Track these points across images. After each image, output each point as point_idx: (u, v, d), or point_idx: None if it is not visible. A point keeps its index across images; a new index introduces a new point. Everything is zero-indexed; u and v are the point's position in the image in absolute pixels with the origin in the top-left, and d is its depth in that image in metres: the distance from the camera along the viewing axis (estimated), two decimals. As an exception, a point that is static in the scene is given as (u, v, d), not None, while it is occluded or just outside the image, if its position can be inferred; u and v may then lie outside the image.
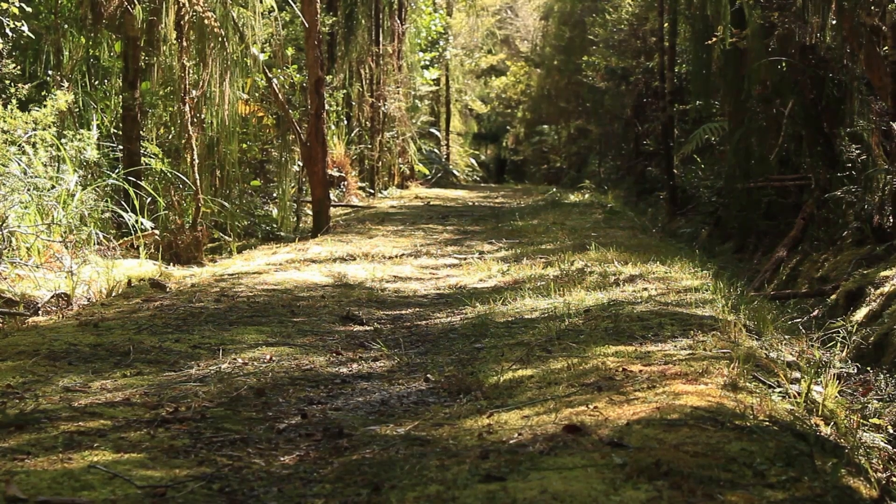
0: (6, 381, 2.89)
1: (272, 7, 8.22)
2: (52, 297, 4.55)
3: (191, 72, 7.19)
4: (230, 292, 4.76)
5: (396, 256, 6.42)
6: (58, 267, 5.19)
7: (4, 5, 6.25)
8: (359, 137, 13.27)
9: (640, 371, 2.85)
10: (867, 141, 7.39)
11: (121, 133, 7.16)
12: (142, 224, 6.42)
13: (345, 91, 12.77)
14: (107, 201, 6.41)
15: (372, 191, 13.20)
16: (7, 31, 6.40)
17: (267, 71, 8.31)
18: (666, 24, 12.83)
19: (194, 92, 7.27)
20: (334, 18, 12.41)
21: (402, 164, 15.24)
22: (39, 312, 4.36)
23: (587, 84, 18.68)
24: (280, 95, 8.43)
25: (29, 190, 5.60)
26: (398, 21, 14.95)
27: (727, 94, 10.10)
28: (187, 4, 6.95)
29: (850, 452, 2.49)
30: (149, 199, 6.85)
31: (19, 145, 5.93)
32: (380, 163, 13.98)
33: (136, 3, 7.01)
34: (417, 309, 4.50)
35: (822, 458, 2.19)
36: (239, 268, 5.86)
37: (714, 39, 9.08)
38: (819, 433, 2.55)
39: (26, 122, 6.00)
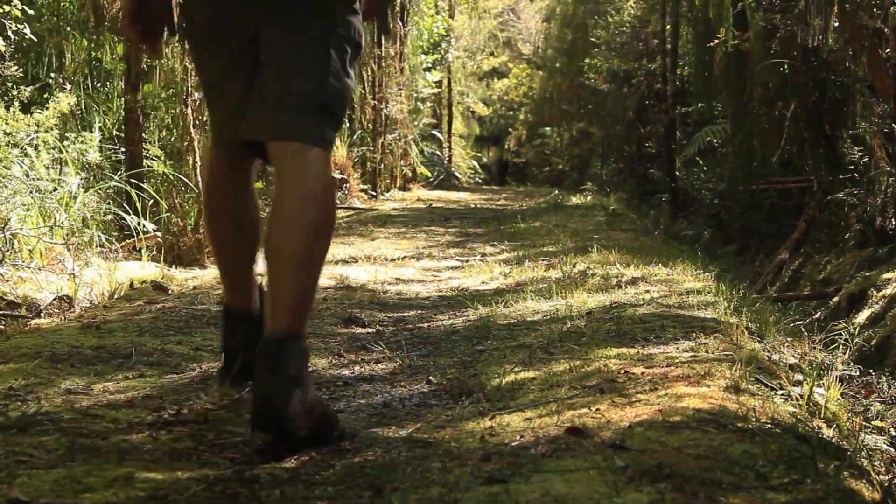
0: (8, 383, 2.89)
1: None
2: (54, 299, 4.55)
3: (193, 74, 7.20)
4: (232, 294, 4.76)
5: (398, 259, 6.42)
6: (60, 269, 5.19)
7: (7, 7, 6.26)
8: (361, 140, 13.28)
9: (643, 373, 2.85)
10: (869, 143, 7.40)
11: (123, 135, 7.16)
12: (144, 226, 6.43)
13: (347, 93, 12.77)
14: (109, 204, 6.42)
15: (374, 193, 13.20)
16: (9, 33, 6.41)
17: (269, 73, 8.31)
18: (668, 27, 12.84)
19: (196, 94, 7.27)
20: (336, 21, 12.41)
21: (404, 167, 15.24)
22: (42, 315, 4.36)
23: (589, 86, 18.70)
24: (282, 98, 8.44)
25: (31, 192, 5.61)
26: (400, 23, 14.96)
27: (729, 97, 10.12)
28: (189, 7, 6.95)
29: (852, 455, 2.49)
30: (151, 202, 6.86)
31: (21, 148, 5.94)
32: (382, 165, 13.99)
33: (139, 5, 7.02)
34: (419, 311, 4.50)
35: (824, 460, 2.18)
36: (241, 270, 5.85)
37: (716, 42, 9.10)
38: (821, 435, 2.55)
39: (28, 125, 6.01)
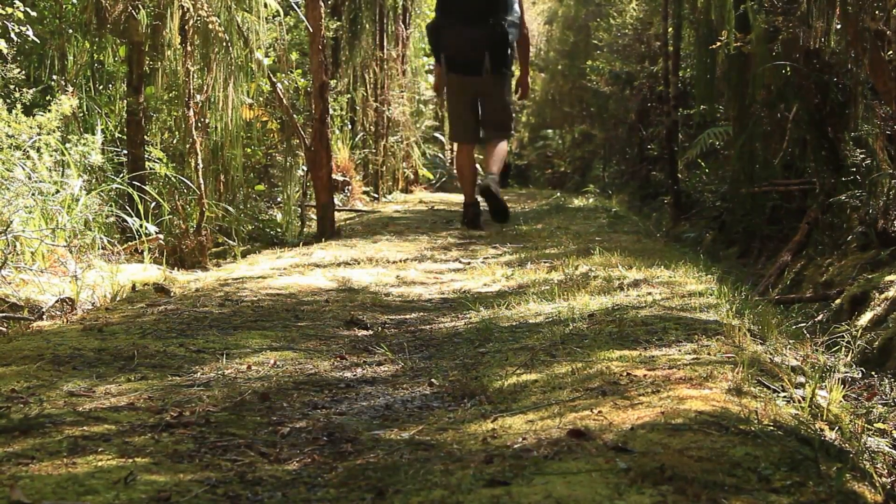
0: (11, 385, 2.89)
1: (277, 12, 8.23)
2: (56, 301, 4.56)
3: (195, 76, 7.21)
4: (234, 297, 4.77)
5: (401, 261, 6.42)
6: (62, 272, 5.20)
7: (9, 10, 6.27)
8: (363, 142, 13.28)
9: (645, 376, 2.85)
10: (872, 145, 7.37)
11: (125, 138, 7.17)
12: (146, 229, 6.43)
13: (349, 96, 12.78)
14: (111, 206, 6.42)
15: (376, 195, 13.20)
16: (12, 35, 6.42)
17: (271, 76, 8.31)
18: (670, 29, 12.81)
19: (199, 97, 7.28)
20: (339, 23, 12.42)
21: (406, 169, 15.23)
22: (44, 317, 4.36)
23: (591, 89, 18.66)
24: (284, 100, 8.44)
25: (33, 195, 5.61)
26: (402, 26, 14.96)
27: (731, 99, 10.08)
28: (192, 9, 6.96)
29: (854, 457, 2.48)
30: (153, 204, 6.86)
31: (24, 150, 5.94)
32: (384, 167, 13.98)
33: (141, 7, 7.03)
34: (422, 313, 4.50)
35: (826, 462, 2.18)
36: (243, 272, 5.86)
37: (718, 44, 9.07)
38: (824, 438, 2.55)
39: (31, 127, 6.01)
